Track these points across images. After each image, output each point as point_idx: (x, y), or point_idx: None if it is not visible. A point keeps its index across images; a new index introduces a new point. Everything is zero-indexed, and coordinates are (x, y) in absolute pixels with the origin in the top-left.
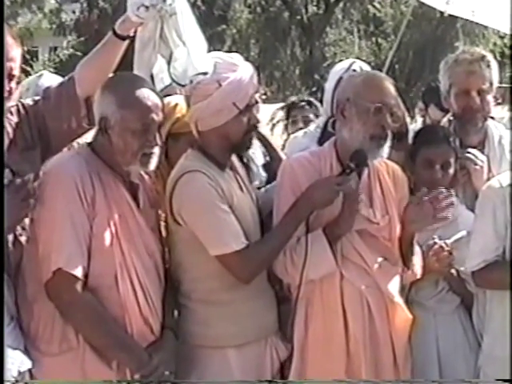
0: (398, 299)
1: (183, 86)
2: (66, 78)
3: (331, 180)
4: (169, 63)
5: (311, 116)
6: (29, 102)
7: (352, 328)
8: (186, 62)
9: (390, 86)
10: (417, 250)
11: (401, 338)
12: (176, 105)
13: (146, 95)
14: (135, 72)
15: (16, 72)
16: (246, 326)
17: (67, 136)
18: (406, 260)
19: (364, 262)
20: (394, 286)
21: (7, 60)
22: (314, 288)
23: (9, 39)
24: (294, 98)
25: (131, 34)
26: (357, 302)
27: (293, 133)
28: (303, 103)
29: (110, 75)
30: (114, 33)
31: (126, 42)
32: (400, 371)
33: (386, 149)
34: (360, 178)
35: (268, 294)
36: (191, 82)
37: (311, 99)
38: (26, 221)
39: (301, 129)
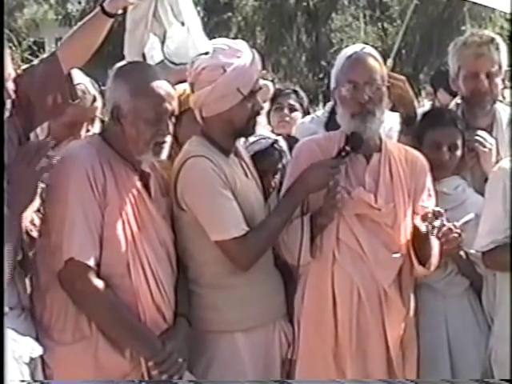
0: (394, 289)
1: (176, 64)
2: (47, 54)
3: (325, 163)
4: (163, 42)
5: (297, 105)
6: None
7: (340, 313)
8: (186, 42)
9: (363, 61)
10: (434, 242)
11: (395, 329)
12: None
13: (159, 84)
14: (126, 51)
15: (12, 75)
16: (253, 309)
17: (51, 112)
18: (422, 258)
19: (360, 247)
20: (390, 275)
21: None
22: (310, 268)
23: None
24: (278, 86)
25: (119, 12)
26: (346, 288)
27: (280, 120)
28: (289, 91)
29: (122, 63)
30: (103, 10)
31: (112, 20)
32: (394, 364)
33: (374, 122)
34: (368, 163)
35: (275, 278)
36: (193, 62)
37: (297, 89)
38: (35, 216)
39: (286, 116)
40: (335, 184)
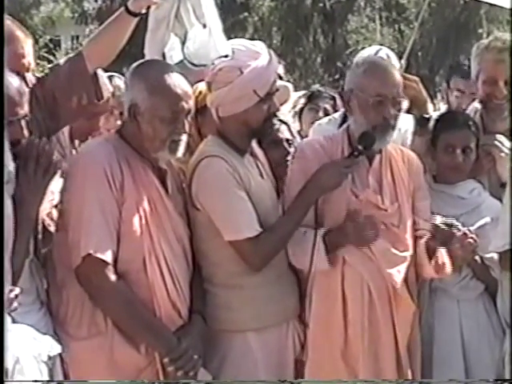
0: (403, 288)
1: (195, 65)
2: (73, 54)
3: (339, 162)
4: (183, 43)
5: (331, 111)
6: (32, 79)
7: (351, 313)
8: (207, 44)
9: (392, 74)
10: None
11: (403, 327)
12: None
13: (177, 83)
14: (146, 50)
15: (32, 65)
16: (266, 309)
17: (77, 112)
18: (430, 253)
19: (368, 248)
20: (399, 274)
21: (22, 56)
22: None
23: (19, 34)
24: (319, 87)
25: (143, 12)
26: (357, 288)
27: (312, 121)
28: (327, 95)
29: (140, 61)
30: (127, 9)
31: (136, 19)
32: (402, 364)
33: (391, 135)
34: (371, 165)
35: (289, 278)
36: (213, 64)
37: (336, 96)
38: (54, 211)
39: (320, 119)
40: (371, 220)
